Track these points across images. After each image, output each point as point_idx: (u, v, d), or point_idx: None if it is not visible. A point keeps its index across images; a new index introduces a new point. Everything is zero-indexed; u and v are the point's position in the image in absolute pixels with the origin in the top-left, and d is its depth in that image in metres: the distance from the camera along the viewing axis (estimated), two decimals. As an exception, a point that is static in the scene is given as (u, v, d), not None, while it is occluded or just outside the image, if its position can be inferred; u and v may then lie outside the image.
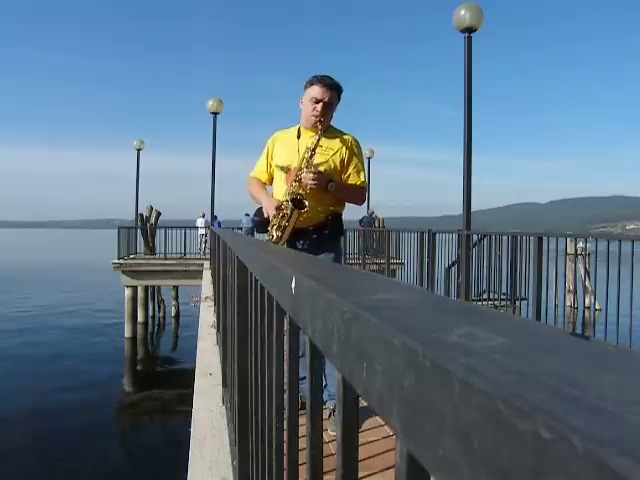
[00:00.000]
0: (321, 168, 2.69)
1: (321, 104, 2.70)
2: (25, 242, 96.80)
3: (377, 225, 16.77)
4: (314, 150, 2.68)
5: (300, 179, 2.65)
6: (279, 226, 2.72)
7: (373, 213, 17.82)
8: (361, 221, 16.76)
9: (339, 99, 2.81)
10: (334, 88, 2.76)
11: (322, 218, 2.76)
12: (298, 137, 2.81)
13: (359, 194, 2.84)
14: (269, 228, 2.79)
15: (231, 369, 2.00)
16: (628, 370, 0.24)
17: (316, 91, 2.72)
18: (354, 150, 2.79)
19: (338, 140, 2.78)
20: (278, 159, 2.85)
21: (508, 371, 0.24)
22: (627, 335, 4.43)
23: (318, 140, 2.68)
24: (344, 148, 2.76)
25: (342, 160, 2.76)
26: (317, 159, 2.71)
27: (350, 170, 2.77)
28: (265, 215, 2.78)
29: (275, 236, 2.73)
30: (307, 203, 2.64)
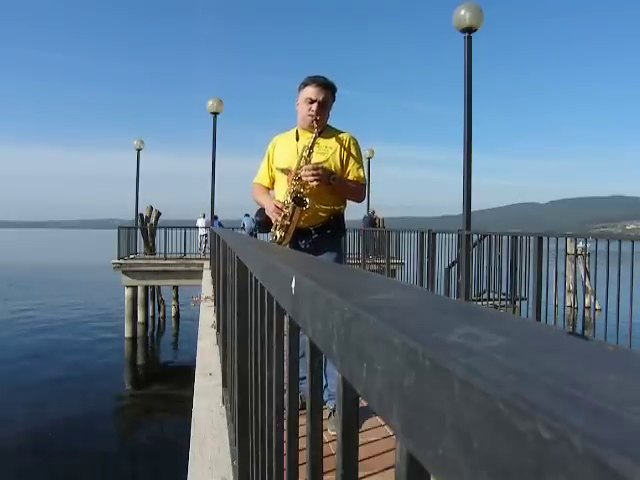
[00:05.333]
0: (322, 165, 2.70)
1: (316, 104, 2.72)
2: (25, 242, 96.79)
3: (378, 225, 16.78)
4: (312, 148, 2.69)
5: (300, 177, 2.66)
6: (282, 226, 2.72)
7: (374, 213, 17.82)
8: (364, 220, 16.79)
9: (334, 98, 2.82)
10: (328, 87, 2.77)
11: (324, 218, 2.77)
12: (297, 139, 2.83)
13: (359, 190, 2.85)
14: (272, 229, 2.80)
15: (231, 369, 2.00)
16: (628, 370, 0.24)
17: (310, 91, 2.74)
18: (353, 148, 2.80)
19: (336, 139, 2.79)
20: (278, 162, 2.87)
21: (508, 371, 0.24)
22: (627, 335, 4.43)
23: (315, 138, 2.70)
24: (343, 146, 2.78)
25: (341, 158, 2.77)
26: (317, 158, 2.72)
27: (349, 167, 2.79)
28: (273, 220, 2.79)
29: (278, 236, 2.74)
30: (308, 200, 2.65)
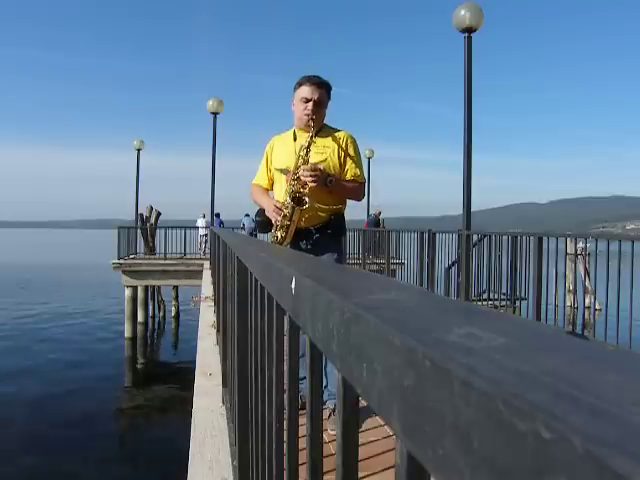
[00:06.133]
0: (320, 166, 2.70)
1: (311, 102, 2.72)
2: (25, 242, 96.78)
3: (379, 225, 16.81)
4: (309, 147, 2.69)
5: (298, 177, 2.66)
6: (282, 226, 2.72)
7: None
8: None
9: (329, 97, 2.83)
10: (323, 86, 2.78)
11: (324, 218, 2.76)
12: (294, 139, 2.83)
13: (358, 190, 2.84)
14: (273, 229, 2.80)
15: (231, 369, 2.00)
16: (628, 370, 0.24)
17: (305, 91, 2.74)
18: (350, 146, 2.79)
19: (333, 137, 2.79)
20: (277, 162, 2.87)
21: (508, 371, 0.24)
22: (627, 335, 4.43)
23: (312, 137, 2.70)
24: (340, 145, 2.77)
25: (340, 157, 2.77)
26: (315, 158, 2.71)
27: (348, 166, 2.78)
28: (273, 221, 2.79)
29: (279, 237, 2.74)
30: (307, 199, 2.65)
